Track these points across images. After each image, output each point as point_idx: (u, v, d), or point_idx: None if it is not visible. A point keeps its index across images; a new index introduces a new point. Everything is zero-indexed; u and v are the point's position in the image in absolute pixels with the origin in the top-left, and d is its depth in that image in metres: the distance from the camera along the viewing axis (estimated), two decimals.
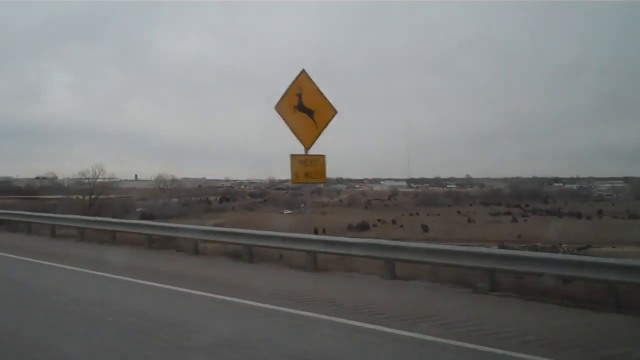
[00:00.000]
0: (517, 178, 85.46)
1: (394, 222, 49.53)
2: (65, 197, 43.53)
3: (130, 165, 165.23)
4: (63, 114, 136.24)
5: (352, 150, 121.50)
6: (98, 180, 45.77)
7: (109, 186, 48.74)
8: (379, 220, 49.85)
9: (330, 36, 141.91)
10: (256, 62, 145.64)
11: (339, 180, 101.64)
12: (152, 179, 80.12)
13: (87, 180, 46.30)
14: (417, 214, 54.93)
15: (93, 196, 41.97)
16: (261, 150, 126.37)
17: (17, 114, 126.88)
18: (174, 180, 44.24)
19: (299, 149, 11.21)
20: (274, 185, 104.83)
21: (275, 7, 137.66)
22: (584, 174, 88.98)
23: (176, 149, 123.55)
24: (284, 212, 53.34)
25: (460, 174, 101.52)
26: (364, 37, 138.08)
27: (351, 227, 44.10)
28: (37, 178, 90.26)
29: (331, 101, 11.29)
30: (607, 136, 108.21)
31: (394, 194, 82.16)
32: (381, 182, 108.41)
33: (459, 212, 57.75)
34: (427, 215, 52.79)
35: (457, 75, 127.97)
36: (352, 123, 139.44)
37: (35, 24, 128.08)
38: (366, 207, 63.52)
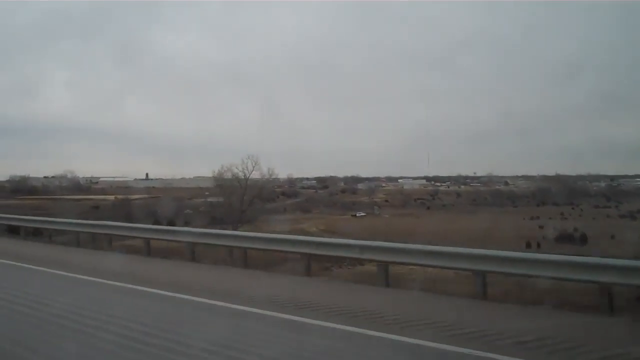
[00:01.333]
0: (540, 176, 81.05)
1: (576, 230, 39.35)
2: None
3: (128, 165, 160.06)
4: (60, 112, 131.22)
5: (353, 148, 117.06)
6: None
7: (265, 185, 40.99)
8: (540, 227, 40.34)
9: (330, 34, 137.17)
10: (256, 60, 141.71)
11: (356, 179, 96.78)
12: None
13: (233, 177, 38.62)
14: (538, 217, 48.14)
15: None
16: (264, 149, 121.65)
17: (16, 112, 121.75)
18: (234, 179, 37.99)
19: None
20: (294, 183, 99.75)
21: (275, 5, 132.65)
22: (583, 171, 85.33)
23: (174, 147, 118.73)
24: (357, 215, 47.31)
25: (466, 171, 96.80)
26: (364, 35, 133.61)
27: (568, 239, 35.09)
28: (46, 177, 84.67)
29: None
30: (607, 134, 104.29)
31: (434, 193, 77.25)
32: (398, 180, 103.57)
33: (562, 213, 52.07)
34: (550, 218, 46.24)
35: (457, 73, 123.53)
36: (352, 120, 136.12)
37: (32, 21, 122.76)
38: (428, 208, 58.12)
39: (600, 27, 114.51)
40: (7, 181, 73.61)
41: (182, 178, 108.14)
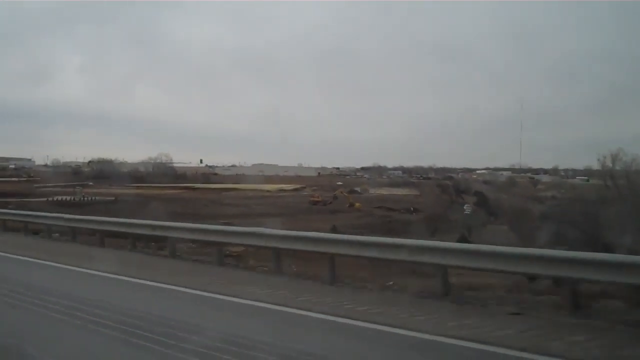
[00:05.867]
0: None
1: None
2: None
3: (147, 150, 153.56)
4: (75, 97, 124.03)
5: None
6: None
7: None
8: None
9: (348, 21, 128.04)
10: (273, 46, 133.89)
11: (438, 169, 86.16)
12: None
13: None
14: None
15: None
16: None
17: (34, 96, 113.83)
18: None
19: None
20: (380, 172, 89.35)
21: None
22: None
23: (196, 135, 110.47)
24: None
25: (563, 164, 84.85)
26: (383, 23, 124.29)
27: None
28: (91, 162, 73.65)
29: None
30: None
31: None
32: (477, 172, 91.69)
33: None
34: None
35: (477, 63, 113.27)
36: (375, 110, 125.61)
37: (47, 5, 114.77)
38: None
39: (620, 21, 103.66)
40: (88, 164, 62.91)
41: (232, 165, 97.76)
